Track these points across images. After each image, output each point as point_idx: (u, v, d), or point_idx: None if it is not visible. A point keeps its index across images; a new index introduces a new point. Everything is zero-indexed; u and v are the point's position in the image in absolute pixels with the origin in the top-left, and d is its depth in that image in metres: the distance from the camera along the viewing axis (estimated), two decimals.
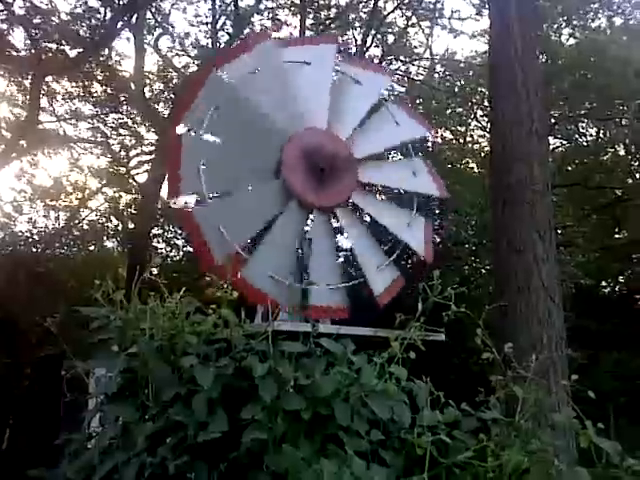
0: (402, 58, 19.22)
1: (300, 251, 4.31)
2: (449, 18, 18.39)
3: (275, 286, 4.05)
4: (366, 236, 4.72)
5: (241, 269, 4.05)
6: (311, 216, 4.40)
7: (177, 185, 4.10)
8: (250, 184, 4.45)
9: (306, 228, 4.49)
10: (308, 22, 17.55)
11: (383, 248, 4.77)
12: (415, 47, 19.26)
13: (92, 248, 18.69)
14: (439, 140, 16.48)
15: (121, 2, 14.99)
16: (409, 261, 9.71)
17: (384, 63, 17.99)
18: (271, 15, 18.35)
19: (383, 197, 10.10)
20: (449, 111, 17.24)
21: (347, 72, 5.01)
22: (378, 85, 5.24)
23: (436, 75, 19.28)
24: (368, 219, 5.41)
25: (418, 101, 16.62)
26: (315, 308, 4.11)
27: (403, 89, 16.65)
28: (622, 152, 16.94)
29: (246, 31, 16.91)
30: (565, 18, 16.22)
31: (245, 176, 4.42)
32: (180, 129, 4.34)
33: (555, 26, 16.57)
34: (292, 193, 4.27)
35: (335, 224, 4.66)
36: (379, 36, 18.35)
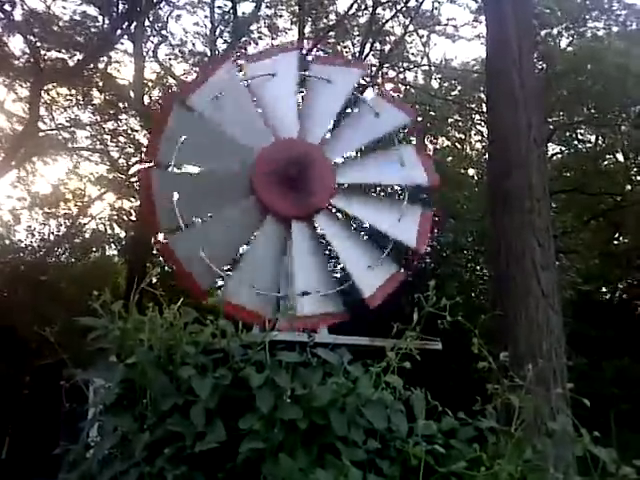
0: (400, 66, 19.29)
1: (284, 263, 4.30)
2: (446, 24, 18.48)
3: (261, 301, 4.03)
4: (351, 237, 4.65)
5: (224, 290, 4.07)
6: (293, 226, 4.37)
7: (156, 223, 4.16)
8: (226, 207, 4.43)
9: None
10: (306, 30, 17.65)
11: (377, 246, 4.60)
12: (413, 54, 19.35)
13: (92, 256, 18.71)
14: (437, 147, 16.52)
15: (120, 10, 15.07)
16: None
17: (382, 71, 18.07)
18: (269, 23, 18.43)
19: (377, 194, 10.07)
20: (448, 119, 17.30)
21: (316, 73, 4.89)
22: (350, 80, 5.00)
23: (434, 82, 19.35)
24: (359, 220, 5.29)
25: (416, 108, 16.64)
26: (307, 318, 4.07)
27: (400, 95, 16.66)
28: (621, 158, 16.98)
29: (244, 39, 17.00)
30: (564, 26, 16.28)
31: (221, 200, 4.42)
32: (149, 169, 4.40)
33: (553, 32, 16.64)
34: (266, 207, 4.30)
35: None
36: (377, 44, 18.42)
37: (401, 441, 2.62)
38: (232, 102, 4.51)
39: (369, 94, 5.20)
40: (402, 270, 4.49)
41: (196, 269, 4.04)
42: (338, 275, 4.76)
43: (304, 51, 15.50)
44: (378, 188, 9.98)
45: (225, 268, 4.22)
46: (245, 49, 16.44)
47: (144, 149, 15.10)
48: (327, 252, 4.59)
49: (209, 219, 4.52)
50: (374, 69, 17.66)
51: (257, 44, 17.34)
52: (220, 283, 4.45)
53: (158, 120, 4.65)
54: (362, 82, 12.46)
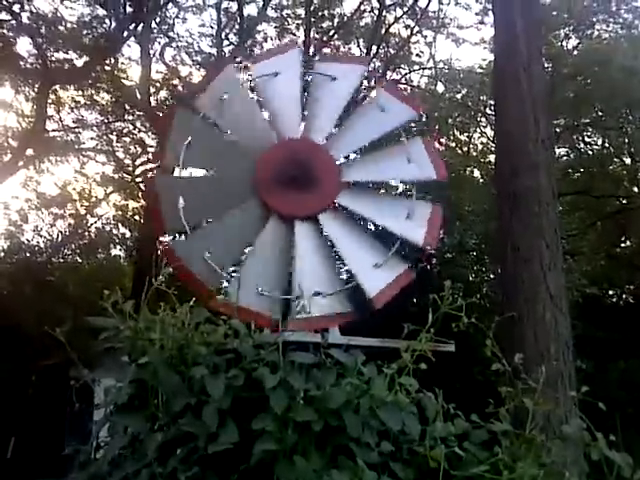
0: (405, 67, 19.29)
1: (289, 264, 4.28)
2: (449, 24, 18.47)
3: (264, 301, 4.00)
4: (357, 236, 4.61)
5: (229, 292, 4.04)
6: (296, 227, 4.34)
7: (161, 227, 4.20)
8: (231, 209, 4.41)
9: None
10: (312, 32, 17.66)
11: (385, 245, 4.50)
12: (418, 55, 19.34)
13: (99, 256, 18.75)
14: (443, 148, 16.49)
15: (127, 12, 15.11)
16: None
17: (387, 72, 18.07)
18: (275, 25, 18.46)
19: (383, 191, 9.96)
20: (453, 120, 17.29)
21: (320, 70, 4.88)
22: (354, 76, 4.96)
23: (439, 85, 19.35)
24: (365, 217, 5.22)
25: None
26: (313, 319, 4.04)
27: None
28: (627, 161, 16.94)
29: (250, 41, 17.03)
30: (571, 28, 16.25)
31: (225, 203, 4.41)
32: (154, 174, 4.43)
33: (560, 35, 16.62)
34: (270, 208, 4.29)
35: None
36: (383, 45, 18.42)
37: (415, 443, 2.60)
38: (236, 104, 4.53)
39: (376, 89, 5.11)
40: (411, 268, 4.36)
41: (199, 271, 4.04)
42: (345, 275, 4.66)
43: (309, 50, 15.60)
44: (387, 185, 9.92)
45: (230, 270, 4.22)
46: (252, 51, 16.46)
47: (151, 152, 15.21)
48: (333, 252, 4.52)
49: (213, 222, 4.52)
50: (380, 71, 17.66)
51: (263, 46, 17.38)
52: (225, 285, 4.44)
53: (163, 125, 4.68)
54: (367, 82, 12.48)
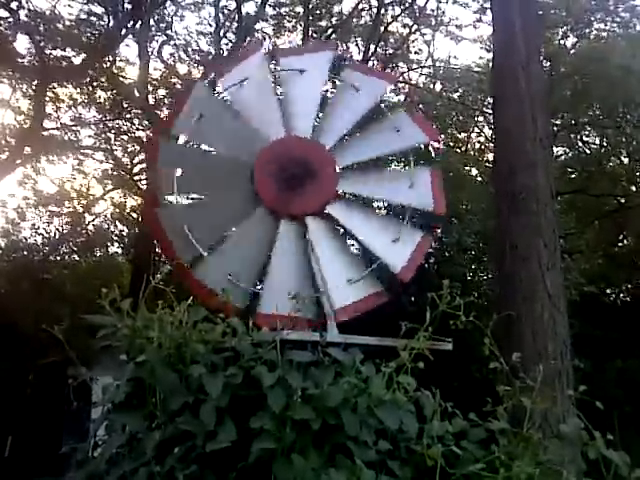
0: (403, 65, 19.28)
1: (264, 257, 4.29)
2: (448, 24, 18.46)
3: (230, 288, 4.01)
4: (367, 218, 4.60)
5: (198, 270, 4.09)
6: (307, 223, 4.35)
7: (173, 256, 4.20)
8: (224, 189, 4.43)
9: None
10: (310, 30, 17.64)
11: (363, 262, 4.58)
12: (417, 53, 19.33)
13: (97, 254, 18.73)
14: (441, 146, 16.48)
15: (125, 9, 15.08)
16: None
17: (386, 70, 18.06)
18: (274, 23, 18.42)
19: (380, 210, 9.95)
20: (450, 118, 17.29)
21: (346, 78, 4.91)
22: (376, 91, 5.00)
23: (438, 84, 19.34)
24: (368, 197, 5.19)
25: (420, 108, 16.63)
26: (348, 307, 4.05)
27: (402, 97, 16.64)
28: (625, 160, 16.96)
29: (248, 39, 16.99)
30: (569, 27, 16.26)
31: (220, 182, 4.43)
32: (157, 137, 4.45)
33: (559, 33, 16.63)
34: (276, 212, 4.29)
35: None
36: (381, 43, 18.40)
37: (413, 442, 2.60)
38: (255, 91, 4.54)
39: (397, 109, 5.10)
40: (382, 293, 4.35)
41: (178, 241, 4.10)
42: (364, 261, 4.62)
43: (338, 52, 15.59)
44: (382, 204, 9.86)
45: (256, 283, 4.24)
46: (260, 46, 16.41)
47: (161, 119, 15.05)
48: (349, 239, 4.54)
49: (204, 197, 4.55)
50: (378, 68, 17.65)
51: (261, 44, 17.34)
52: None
53: (181, 96, 4.69)
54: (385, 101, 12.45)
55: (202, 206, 4.65)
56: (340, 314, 4.11)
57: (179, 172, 4.23)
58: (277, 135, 4.51)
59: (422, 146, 5.48)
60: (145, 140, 14.94)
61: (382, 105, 4.84)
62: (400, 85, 17.25)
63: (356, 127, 4.89)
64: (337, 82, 5.12)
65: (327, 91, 5.03)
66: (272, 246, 4.28)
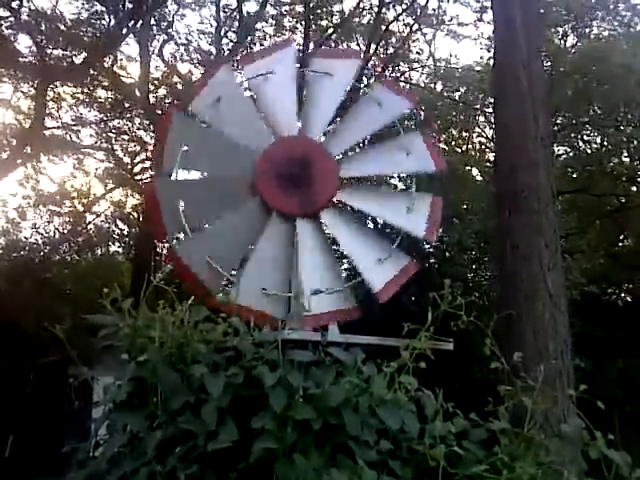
0: (404, 65, 19.27)
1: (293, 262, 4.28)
2: (449, 23, 18.45)
3: (269, 301, 4.03)
4: (359, 232, 4.59)
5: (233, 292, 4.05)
6: (298, 225, 4.33)
7: (162, 231, 4.19)
8: (231, 209, 4.42)
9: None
10: (311, 30, 17.63)
11: (387, 239, 4.56)
12: (418, 53, 19.33)
13: (98, 253, 18.74)
14: (444, 146, 16.49)
15: (126, 9, 15.08)
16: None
17: (387, 70, 18.05)
18: (274, 23, 18.42)
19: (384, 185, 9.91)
20: (451, 117, 17.28)
21: (316, 67, 4.90)
22: (349, 71, 4.96)
23: (439, 84, 19.32)
24: (365, 212, 5.18)
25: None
26: (316, 316, 4.04)
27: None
28: (626, 159, 16.93)
29: (249, 38, 16.99)
30: (570, 26, 16.24)
31: (225, 203, 4.42)
32: (153, 178, 4.47)
33: (559, 32, 16.61)
34: (270, 207, 4.29)
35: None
36: (382, 43, 18.39)
37: (415, 442, 2.60)
38: (232, 105, 4.54)
39: (372, 84, 5.08)
40: (414, 261, 4.41)
41: (203, 273, 4.05)
42: (346, 273, 4.64)
43: (309, 48, 15.59)
44: (386, 181, 9.84)
45: (232, 271, 4.23)
46: (251, 48, 16.43)
47: (150, 151, 15.17)
48: (335, 249, 4.51)
49: (213, 223, 4.53)
50: (379, 69, 17.64)
51: (262, 44, 17.34)
52: (226, 285, 4.44)
53: (161, 129, 4.70)
54: (365, 76, 12.42)
55: (201, 185, 4.63)
56: (383, 294, 4.14)
57: (185, 147, 4.22)
58: (289, 132, 4.52)
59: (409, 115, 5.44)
60: (161, 112, 14.87)
61: (398, 124, 4.83)
62: (401, 85, 17.24)
63: (340, 111, 4.89)
64: (360, 91, 5.10)
65: (347, 99, 4.99)
66: (257, 239, 4.27)
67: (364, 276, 4.22)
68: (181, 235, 4.21)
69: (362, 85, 5.13)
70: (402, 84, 17.40)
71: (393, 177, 11.89)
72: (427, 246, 4.47)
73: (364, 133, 4.94)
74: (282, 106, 4.68)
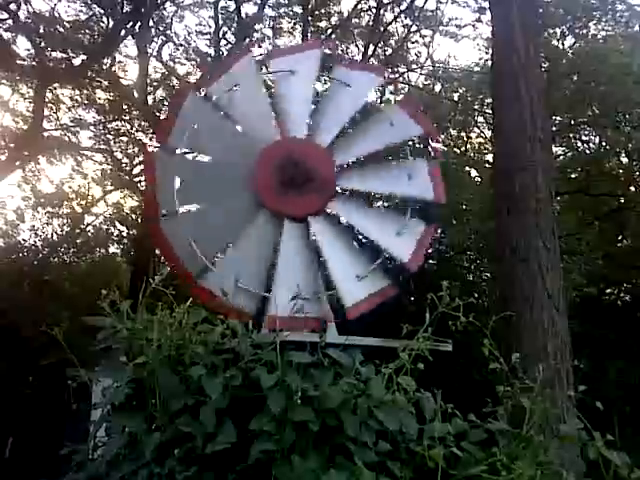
0: (403, 66, 19.27)
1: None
2: (447, 24, 18.46)
3: (242, 296, 4.02)
4: (344, 245, 4.57)
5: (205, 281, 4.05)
6: (310, 223, 4.34)
7: (155, 205, 4.19)
8: (224, 197, 4.42)
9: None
10: (309, 31, 17.64)
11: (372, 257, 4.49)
12: (416, 55, 19.34)
13: (96, 255, 18.73)
14: (442, 146, 16.48)
15: (124, 11, 15.08)
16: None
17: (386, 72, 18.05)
18: (273, 24, 18.43)
19: (381, 204, 9.92)
20: (450, 118, 17.29)
21: (337, 75, 4.90)
22: (367, 85, 5.02)
23: (438, 85, 19.33)
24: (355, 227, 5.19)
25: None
26: (355, 306, 4.04)
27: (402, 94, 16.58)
28: (624, 160, 16.94)
29: (248, 39, 16.99)
30: (568, 26, 16.25)
31: (220, 190, 4.42)
32: (154, 150, 4.46)
33: (557, 32, 16.62)
34: (262, 203, 4.29)
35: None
36: (381, 44, 18.40)
37: (413, 443, 2.60)
38: (247, 95, 4.52)
39: (389, 102, 5.06)
40: (392, 285, 4.33)
41: (182, 254, 4.06)
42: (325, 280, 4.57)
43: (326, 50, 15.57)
44: (383, 198, 9.81)
45: (212, 257, 4.23)
46: (249, 50, 16.41)
47: (156, 130, 15.09)
48: (318, 257, 4.49)
49: (206, 207, 4.53)
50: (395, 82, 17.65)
51: (260, 45, 17.36)
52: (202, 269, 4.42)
53: (173, 105, 4.68)
54: (382, 93, 12.42)
55: (203, 215, 4.62)
56: (353, 311, 4.10)
57: (178, 184, 4.21)
58: (272, 138, 4.51)
59: (419, 141, 5.42)
60: (142, 151, 14.93)
61: (376, 99, 4.82)
62: (400, 86, 17.28)
63: (350, 123, 4.88)
64: (328, 79, 5.10)
65: (319, 90, 4.98)
66: (277, 248, 4.27)
67: (390, 251, 4.25)
68: (172, 212, 4.20)
69: (377, 100, 5.09)
70: (401, 85, 17.43)
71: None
72: (410, 271, 4.39)
73: (371, 148, 4.88)
74: (296, 107, 4.67)
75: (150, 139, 17.71)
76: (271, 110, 4.64)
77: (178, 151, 4.37)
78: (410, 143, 5.01)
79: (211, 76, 4.70)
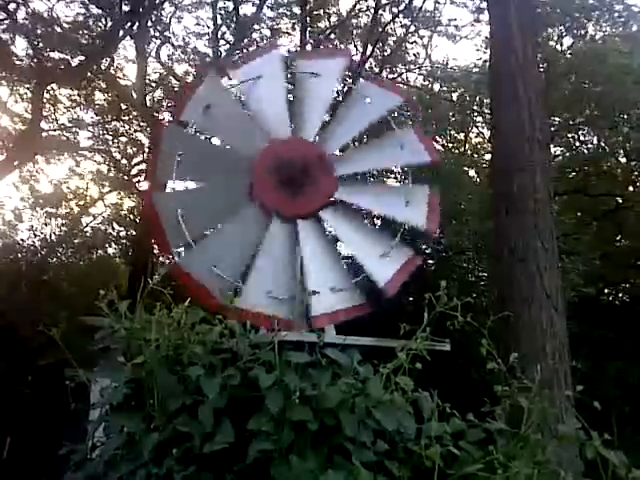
0: (401, 66, 19.28)
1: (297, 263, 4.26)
2: (447, 25, 18.48)
3: (275, 304, 3.99)
4: (360, 228, 4.57)
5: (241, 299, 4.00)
6: (298, 225, 4.32)
7: (165, 242, 4.17)
8: (231, 216, 4.40)
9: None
10: (308, 31, 17.66)
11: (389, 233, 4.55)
12: (415, 55, 19.35)
13: (95, 255, 18.73)
14: (440, 148, 16.49)
15: (123, 11, 15.07)
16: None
17: (384, 72, 18.07)
18: (271, 24, 18.44)
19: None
20: (449, 118, 17.29)
21: (302, 68, 4.89)
22: (335, 70, 4.96)
23: (436, 85, 19.34)
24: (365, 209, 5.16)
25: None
26: (322, 317, 4.03)
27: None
28: (623, 160, 16.96)
29: (246, 40, 17.01)
30: (567, 26, 16.27)
31: (225, 210, 4.40)
32: (150, 192, 4.47)
33: (555, 33, 16.64)
34: (270, 210, 4.29)
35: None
36: (379, 44, 18.41)
37: (411, 442, 2.60)
38: (222, 111, 4.52)
39: (359, 82, 5.10)
40: (416, 254, 4.40)
41: (210, 284, 4.02)
42: (352, 269, 4.57)
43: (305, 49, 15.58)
44: (384, 174, 9.79)
45: (239, 277, 4.21)
46: (248, 50, 16.43)
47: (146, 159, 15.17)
48: (338, 247, 4.50)
49: (215, 232, 4.52)
50: (376, 70, 17.66)
51: (259, 46, 17.35)
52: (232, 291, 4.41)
53: (154, 141, 4.71)
54: (351, 74, 12.42)
55: (198, 194, 4.62)
56: (389, 289, 4.11)
57: (178, 157, 4.22)
58: (282, 135, 4.52)
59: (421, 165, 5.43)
60: (154, 123, 14.85)
61: (390, 119, 4.83)
62: (404, 95, 17.26)
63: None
64: (349, 90, 5.11)
65: (337, 98, 5.00)
66: (259, 244, 4.26)
67: (369, 271, 4.19)
68: (182, 248, 4.21)
69: (350, 83, 5.09)
70: (399, 85, 17.42)
71: (389, 176, 11.90)
72: (432, 234, 4.41)
73: (357, 129, 4.91)
74: (273, 109, 4.68)
75: (148, 140, 17.74)
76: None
77: (170, 184, 4.39)
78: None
79: (237, 63, 4.72)
